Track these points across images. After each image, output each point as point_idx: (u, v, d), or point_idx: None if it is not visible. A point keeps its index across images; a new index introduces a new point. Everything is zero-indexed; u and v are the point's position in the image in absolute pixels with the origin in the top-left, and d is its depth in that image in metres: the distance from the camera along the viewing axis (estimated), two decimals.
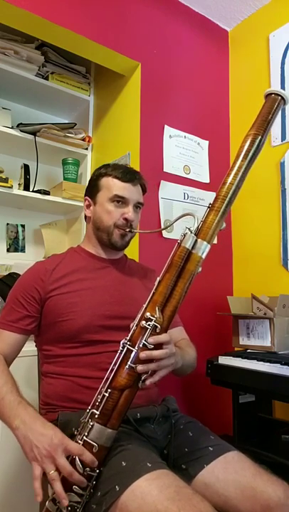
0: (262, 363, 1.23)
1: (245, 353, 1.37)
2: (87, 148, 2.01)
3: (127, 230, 1.07)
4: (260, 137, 0.87)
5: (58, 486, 0.72)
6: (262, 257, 1.77)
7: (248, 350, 1.43)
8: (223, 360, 1.35)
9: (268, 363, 1.21)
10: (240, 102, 1.97)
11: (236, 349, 1.51)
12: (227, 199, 0.85)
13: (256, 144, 0.87)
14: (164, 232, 1.64)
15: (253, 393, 1.40)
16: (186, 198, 1.76)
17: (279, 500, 0.79)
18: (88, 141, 1.99)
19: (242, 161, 0.86)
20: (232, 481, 0.84)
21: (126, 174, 1.09)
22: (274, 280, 1.69)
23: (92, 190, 1.13)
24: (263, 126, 0.88)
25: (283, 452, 1.26)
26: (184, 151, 1.79)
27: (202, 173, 1.85)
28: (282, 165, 1.71)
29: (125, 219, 1.07)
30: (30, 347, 1.10)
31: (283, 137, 1.72)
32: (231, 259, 1.91)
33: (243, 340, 1.47)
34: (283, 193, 1.70)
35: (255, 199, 1.80)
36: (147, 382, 0.79)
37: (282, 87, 1.75)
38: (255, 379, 1.22)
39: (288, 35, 1.76)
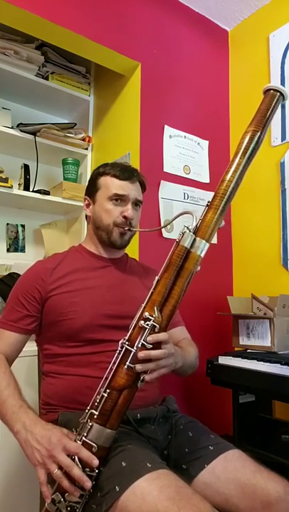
0: (262, 363, 1.23)
1: (245, 353, 1.37)
2: (87, 149, 2.01)
3: (126, 228, 1.07)
4: (259, 133, 0.85)
5: (66, 482, 0.73)
6: (262, 257, 1.77)
7: (248, 350, 1.43)
8: (223, 360, 1.34)
9: (268, 363, 1.21)
10: (240, 102, 1.97)
11: (236, 349, 1.51)
12: (226, 197, 0.83)
13: (255, 140, 0.85)
14: (164, 232, 1.64)
15: (253, 393, 1.40)
16: (186, 198, 1.76)
17: (279, 496, 0.79)
18: (88, 141, 1.99)
19: (240, 158, 0.85)
20: (232, 480, 0.84)
21: (124, 172, 1.09)
22: (274, 280, 1.69)
23: (92, 190, 1.13)
24: (261, 122, 0.86)
25: (283, 452, 1.26)
26: (184, 151, 1.79)
27: (202, 173, 1.85)
28: (282, 165, 1.71)
29: (124, 217, 1.06)
30: (30, 347, 1.10)
31: (283, 137, 1.71)
32: (231, 259, 1.91)
33: (243, 340, 1.47)
34: (283, 193, 1.70)
35: (255, 199, 1.80)
36: (147, 377, 0.78)
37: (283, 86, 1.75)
38: (255, 379, 1.22)
39: (288, 35, 1.76)
